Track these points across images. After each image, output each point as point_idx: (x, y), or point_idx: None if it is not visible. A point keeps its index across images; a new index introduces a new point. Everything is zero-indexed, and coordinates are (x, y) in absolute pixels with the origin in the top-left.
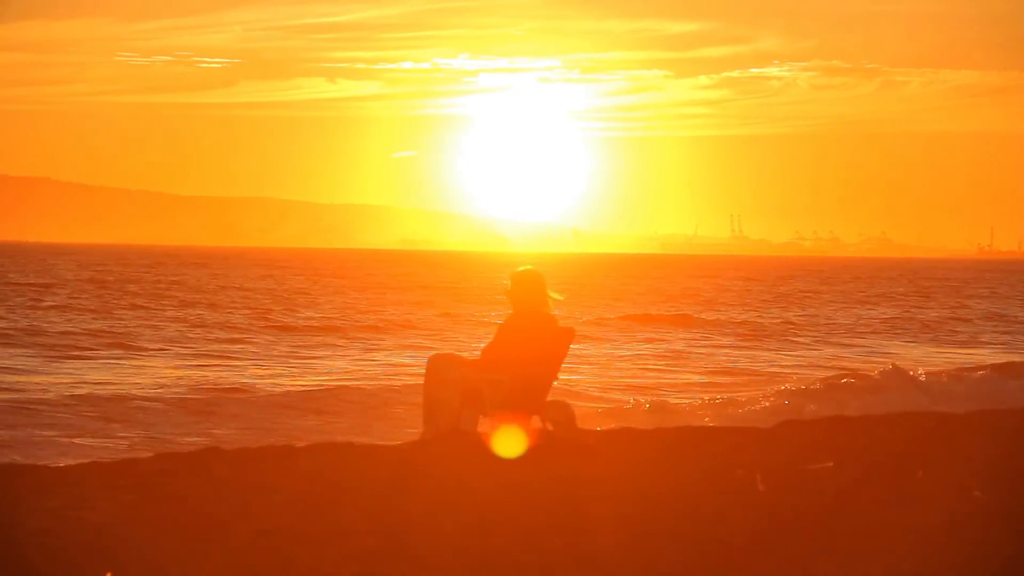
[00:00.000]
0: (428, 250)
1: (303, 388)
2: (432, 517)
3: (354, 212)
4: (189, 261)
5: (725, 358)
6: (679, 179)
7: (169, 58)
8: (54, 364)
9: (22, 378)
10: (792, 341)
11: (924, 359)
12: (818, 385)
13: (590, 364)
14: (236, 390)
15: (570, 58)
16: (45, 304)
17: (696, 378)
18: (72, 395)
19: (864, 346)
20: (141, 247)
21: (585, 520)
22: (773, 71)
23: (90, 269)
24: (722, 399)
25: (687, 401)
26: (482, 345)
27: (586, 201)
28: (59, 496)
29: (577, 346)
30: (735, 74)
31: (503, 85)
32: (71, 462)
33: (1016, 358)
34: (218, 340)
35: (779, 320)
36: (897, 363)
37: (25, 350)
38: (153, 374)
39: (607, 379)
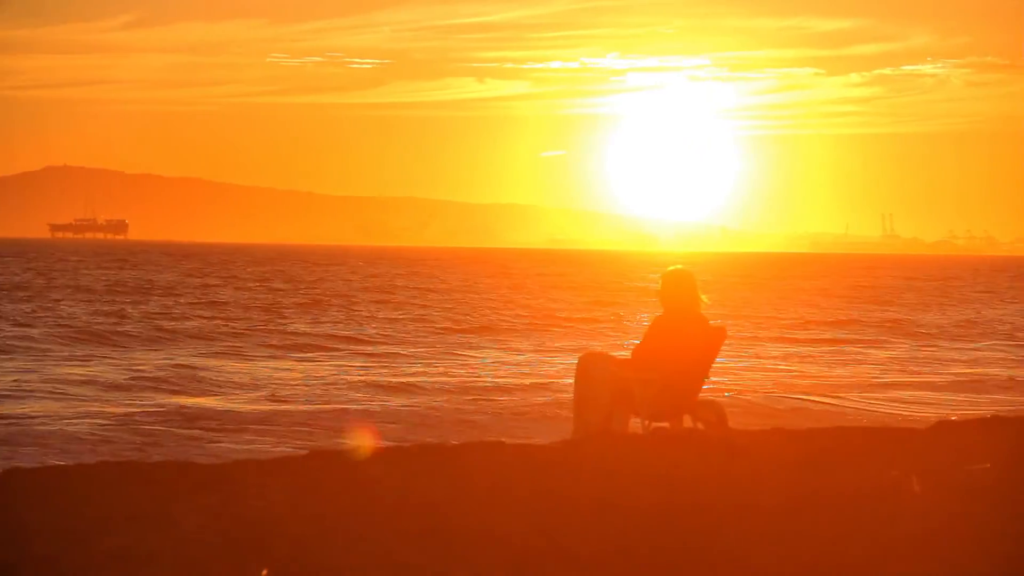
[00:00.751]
0: (575, 249)
1: (459, 385)
2: (585, 517)
3: (501, 211)
4: (354, 261)
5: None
6: (829, 177)
7: (320, 59)
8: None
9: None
10: None
11: None
12: None
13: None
14: (400, 388)
15: (720, 56)
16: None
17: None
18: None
19: None
20: (294, 247)
21: (741, 520)
22: (926, 68)
23: (264, 266)
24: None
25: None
26: (633, 344)
27: (734, 200)
28: (216, 492)
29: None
30: (887, 71)
31: (652, 84)
32: (225, 460)
33: None
34: (403, 338)
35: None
36: None
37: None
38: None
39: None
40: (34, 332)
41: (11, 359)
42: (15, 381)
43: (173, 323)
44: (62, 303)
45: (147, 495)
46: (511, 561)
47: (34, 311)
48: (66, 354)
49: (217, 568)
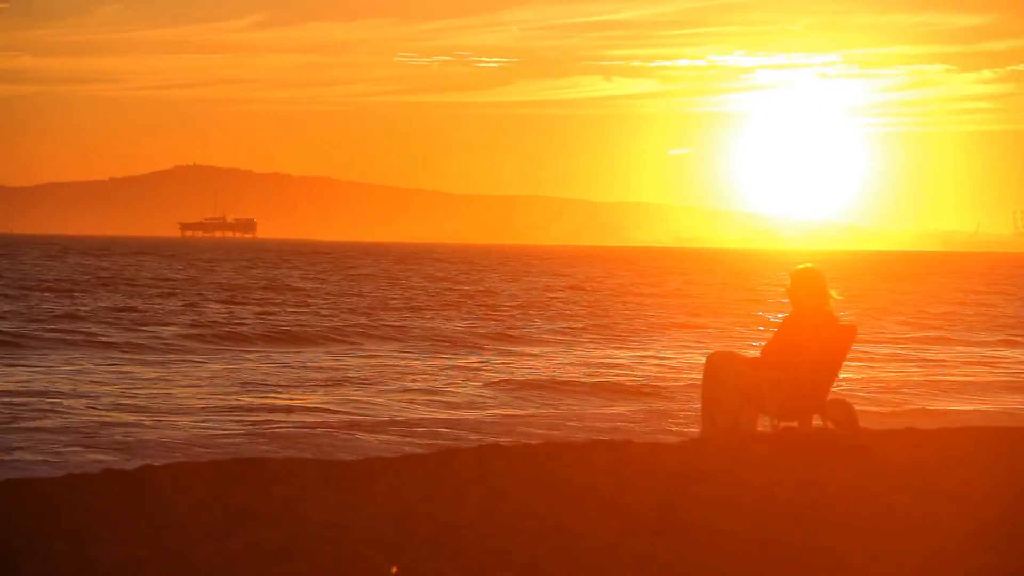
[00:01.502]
0: (702, 248)
1: (590, 382)
2: (714, 516)
3: (628, 210)
4: (485, 259)
5: None
6: (959, 175)
7: (447, 58)
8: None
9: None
10: None
11: None
12: None
13: None
14: (537, 385)
15: (849, 53)
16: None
17: None
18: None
19: None
20: (421, 245)
21: (875, 520)
22: None
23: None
24: None
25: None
26: (762, 343)
27: (863, 197)
28: (347, 490)
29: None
30: (1020, 68)
31: (780, 81)
32: (358, 457)
33: None
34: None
35: None
36: None
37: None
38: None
39: None
40: (200, 330)
41: (177, 357)
42: (158, 379)
43: (322, 320)
44: (229, 302)
45: (278, 491)
46: (642, 558)
47: (202, 308)
48: (225, 352)
49: (347, 565)
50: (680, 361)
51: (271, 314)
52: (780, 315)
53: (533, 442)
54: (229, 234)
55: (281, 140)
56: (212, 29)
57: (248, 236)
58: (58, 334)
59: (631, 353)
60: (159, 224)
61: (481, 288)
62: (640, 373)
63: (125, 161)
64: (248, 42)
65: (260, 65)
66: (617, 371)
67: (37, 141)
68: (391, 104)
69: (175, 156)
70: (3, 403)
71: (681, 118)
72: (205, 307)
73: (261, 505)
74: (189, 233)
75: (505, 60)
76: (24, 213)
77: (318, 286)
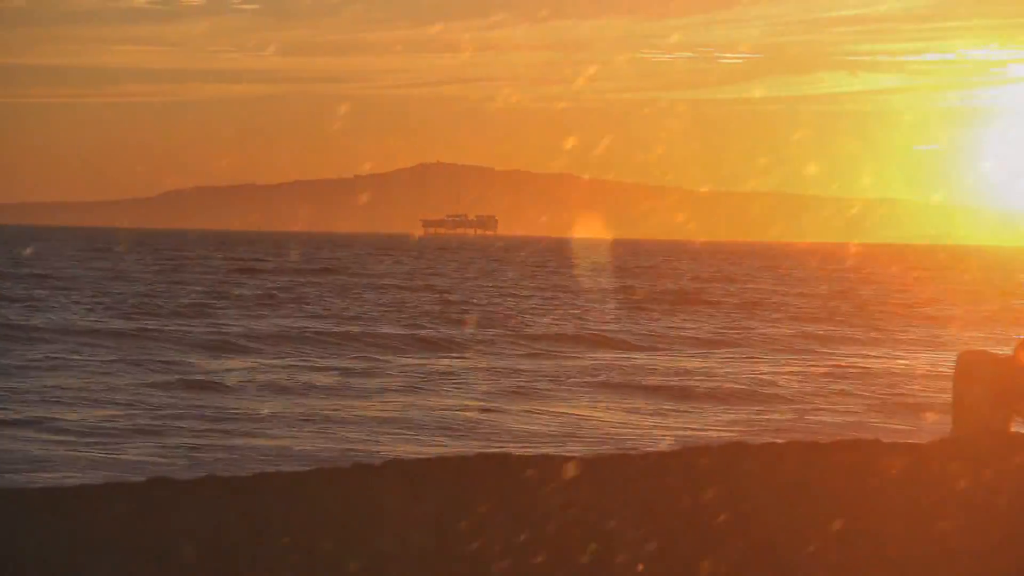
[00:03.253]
0: (951, 245)
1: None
2: (965, 518)
3: (874, 206)
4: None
5: None
6: None
7: (691, 55)
8: None
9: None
10: None
11: None
12: None
13: None
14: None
15: None
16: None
17: None
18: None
19: None
20: (670, 242)
21: None
22: None
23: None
24: None
25: None
26: (1018, 340)
27: None
28: (553, 481)
29: None
30: None
31: None
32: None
33: None
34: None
35: None
36: None
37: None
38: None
39: None
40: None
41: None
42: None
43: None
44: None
45: (517, 485)
46: (893, 563)
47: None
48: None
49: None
50: (941, 358)
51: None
52: None
53: (779, 441)
54: (471, 231)
55: (523, 137)
56: (457, 28)
57: (489, 233)
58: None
59: (892, 347)
60: (403, 222)
61: (839, 288)
62: (895, 367)
63: (370, 159)
64: (492, 40)
65: (503, 63)
66: (868, 364)
67: (286, 140)
68: (632, 101)
69: (419, 154)
70: None
71: (928, 113)
72: None
73: (495, 498)
74: (431, 230)
75: (749, 56)
76: (274, 211)
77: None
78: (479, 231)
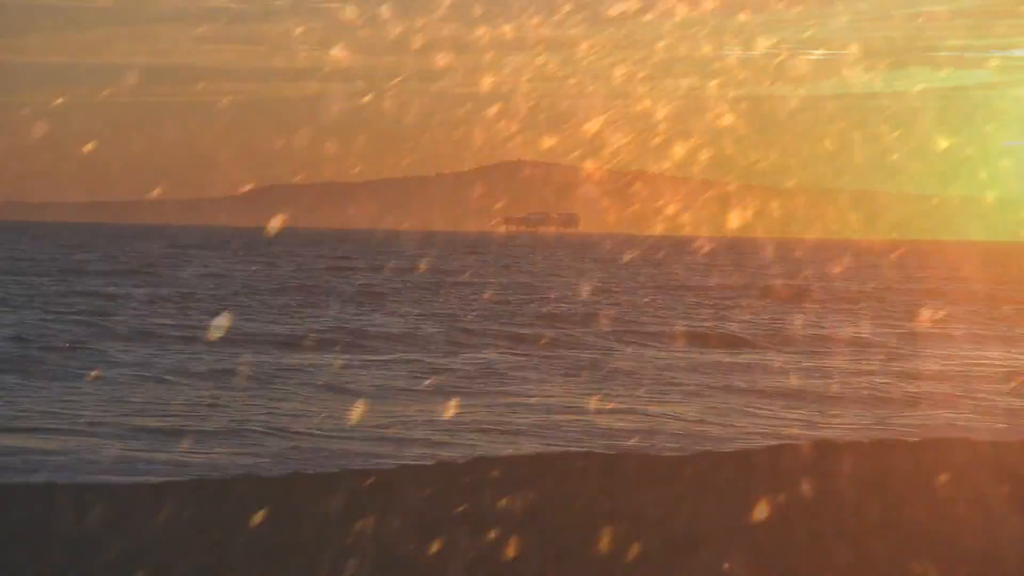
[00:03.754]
0: None
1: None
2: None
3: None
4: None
5: None
6: None
7: (772, 50)
8: None
9: None
10: None
11: None
12: None
13: None
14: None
15: None
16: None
17: None
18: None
19: None
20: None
21: None
22: None
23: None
24: None
25: None
26: None
27: None
28: (614, 478)
29: None
30: None
31: None
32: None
33: None
34: None
35: None
36: None
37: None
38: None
39: None
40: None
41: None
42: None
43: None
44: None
45: (612, 484)
46: (976, 557)
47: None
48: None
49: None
50: None
51: None
52: None
53: (864, 440)
54: (552, 229)
55: (600, 135)
56: (531, 24)
57: (571, 231)
58: None
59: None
60: (483, 220)
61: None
62: (990, 369)
63: (451, 157)
64: (566, 39)
65: (575, 62)
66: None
67: (370, 137)
68: (719, 98)
69: (500, 151)
70: None
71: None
72: None
73: (589, 497)
74: (512, 228)
75: (835, 54)
76: (357, 208)
77: None
78: (560, 229)
